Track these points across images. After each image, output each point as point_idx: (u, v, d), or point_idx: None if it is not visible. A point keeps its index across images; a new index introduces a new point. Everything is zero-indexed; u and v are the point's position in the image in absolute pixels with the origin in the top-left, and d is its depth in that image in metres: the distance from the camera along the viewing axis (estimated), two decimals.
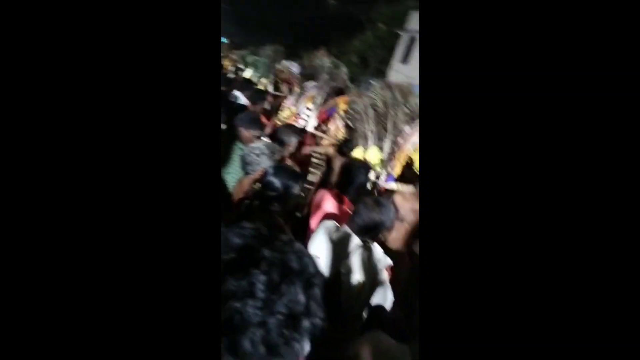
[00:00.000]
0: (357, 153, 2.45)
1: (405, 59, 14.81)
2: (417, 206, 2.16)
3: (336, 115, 3.59)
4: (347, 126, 3.13)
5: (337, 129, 3.55)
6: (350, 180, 1.71)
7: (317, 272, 0.53)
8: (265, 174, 1.45)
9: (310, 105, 3.46)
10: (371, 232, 1.26)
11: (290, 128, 2.28)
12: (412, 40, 14.56)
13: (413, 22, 14.51)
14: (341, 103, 3.70)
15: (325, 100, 3.85)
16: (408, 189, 2.35)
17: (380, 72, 16.37)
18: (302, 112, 3.44)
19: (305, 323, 0.49)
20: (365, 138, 2.39)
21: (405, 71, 13.85)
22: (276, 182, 1.41)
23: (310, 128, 3.49)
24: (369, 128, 2.43)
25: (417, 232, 2.26)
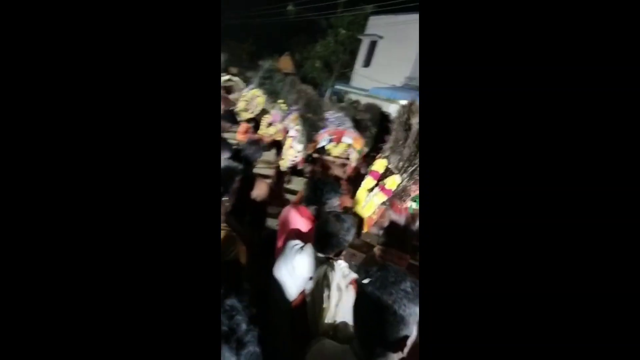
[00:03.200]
0: (379, 166, 2.33)
1: (367, 62, 15.16)
2: None
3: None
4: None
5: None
6: (317, 197, 1.72)
7: (250, 329, 0.52)
8: None
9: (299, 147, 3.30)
10: (334, 248, 1.28)
11: (257, 144, 2.24)
12: (372, 44, 14.94)
13: (373, 26, 14.89)
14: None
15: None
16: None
17: (344, 76, 16.62)
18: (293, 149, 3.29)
19: None
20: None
21: (367, 74, 14.16)
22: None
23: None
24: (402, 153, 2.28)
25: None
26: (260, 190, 2.10)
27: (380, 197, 2.12)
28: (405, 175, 2.12)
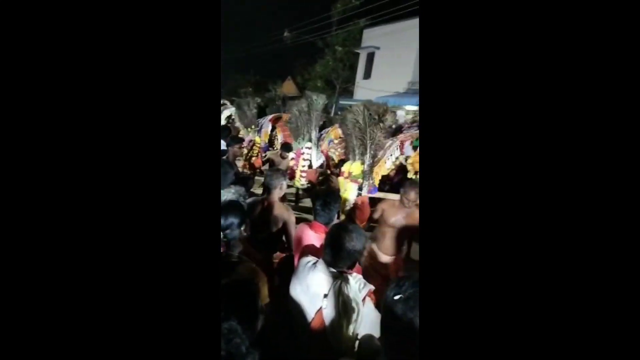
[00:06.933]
0: (345, 167, 2.90)
1: (367, 74, 15.33)
2: (404, 213, 2.22)
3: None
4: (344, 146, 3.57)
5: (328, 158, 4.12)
6: (328, 208, 1.73)
7: (250, 352, 0.52)
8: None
9: (309, 144, 4.07)
10: (346, 260, 1.25)
11: (278, 172, 2.26)
12: (371, 56, 15.14)
13: (368, 39, 15.14)
14: (332, 133, 4.28)
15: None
16: (393, 197, 2.47)
17: (347, 91, 16.83)
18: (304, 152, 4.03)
19: None
20: (354, 154, 2.85)
21: (369, 85, 14.29)
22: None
23: (316, 166, 3.93)
24: (353, 145, 2.84)
25: (411, 238, 2.41)
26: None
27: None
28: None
